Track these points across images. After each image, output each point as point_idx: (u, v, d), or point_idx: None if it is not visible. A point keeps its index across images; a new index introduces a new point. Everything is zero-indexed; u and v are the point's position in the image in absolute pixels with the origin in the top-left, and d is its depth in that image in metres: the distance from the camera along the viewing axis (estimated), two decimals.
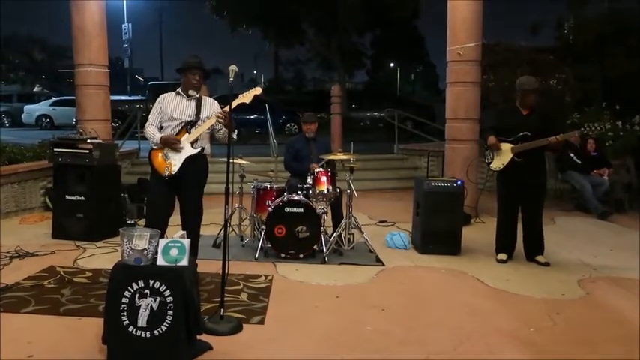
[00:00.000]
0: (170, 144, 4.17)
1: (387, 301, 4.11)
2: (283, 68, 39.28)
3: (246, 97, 4.06)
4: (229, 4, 20.96)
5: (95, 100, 7.22)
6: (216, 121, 4.08)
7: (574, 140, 7.83)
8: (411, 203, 6.09)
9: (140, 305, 2.96)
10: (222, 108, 4.25)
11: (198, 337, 3.18)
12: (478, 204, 7.07)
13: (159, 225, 3.73)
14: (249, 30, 23.48)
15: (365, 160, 9.69)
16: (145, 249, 2.99)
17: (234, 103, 3.89)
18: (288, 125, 18.01)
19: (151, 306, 2.96)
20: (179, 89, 4.29)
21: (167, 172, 4.16)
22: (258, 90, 4.11)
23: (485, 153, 5.30)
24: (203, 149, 4.26)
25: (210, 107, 4.29)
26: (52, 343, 3.27)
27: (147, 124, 4.33)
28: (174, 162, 4.17)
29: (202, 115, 4.22)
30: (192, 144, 4.19)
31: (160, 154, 4.22)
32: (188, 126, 4.20)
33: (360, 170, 7.25)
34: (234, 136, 3.94)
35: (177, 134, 4.21)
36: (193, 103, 4.24)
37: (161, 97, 4.36)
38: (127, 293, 2.97)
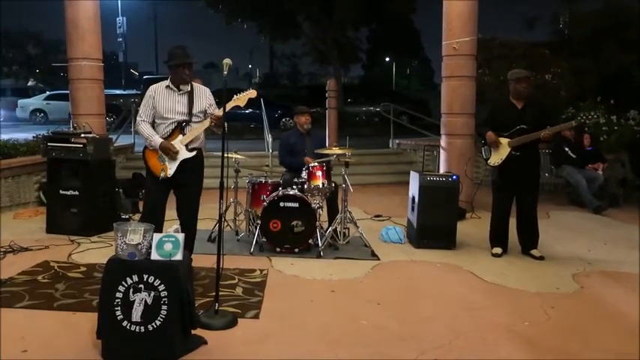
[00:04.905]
0: (168, 154, 4.12)
1: (382, 296, 4.11)
2: (279, 62, 39.17)
3: (240, 101, 4.05)
4: None
5: (89, 95, 7.19)
6: (210, 125, 4.06)
7: (569, 134, 7.83)
8: (406, 198, 6.08)
9: (134, 300, 2.96)
10: (215, 99, 4.24)
11: (193, 331, 3.18)
12: (474, 199, 7.08)
13: (155, 222, 3.69)
14: (244, 24, 23.40)
15: (360, 154, 9.66)
16: (139, 244, 2.98)
17: (229, 106, 3.83)
18: (284, 120, 17.97)
19: (145, 301, 2.96)
20: (169, 82, 4.16)
21: (162, 175, 4.14)
22: (253, 93, 4.09)
23: (482, 149, 5.28)
24: (199, 150, 4.22)
25: (203, 98, 4.20)
26: (46, 338, 3.26)
27: (139, 119, 4.24)
28: (170, 165, 4.14)
29: (195, 109, 4.14)
30: (187, 146, 4.14)
31: (155, 156, 4.18)
32: (181, 126, 4.14)
33: (355, 165, 7.24)
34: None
35: (170, 134, 4.14)
36: (185, 98, 4.14)
37: (151, 89, 4.22)
38: (121, 288, 2.97)
